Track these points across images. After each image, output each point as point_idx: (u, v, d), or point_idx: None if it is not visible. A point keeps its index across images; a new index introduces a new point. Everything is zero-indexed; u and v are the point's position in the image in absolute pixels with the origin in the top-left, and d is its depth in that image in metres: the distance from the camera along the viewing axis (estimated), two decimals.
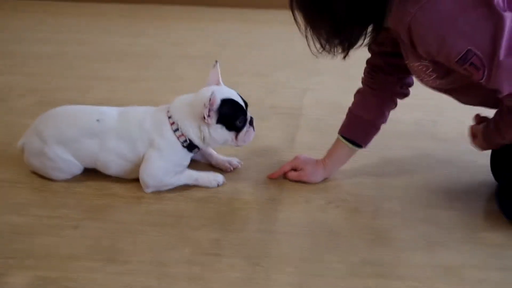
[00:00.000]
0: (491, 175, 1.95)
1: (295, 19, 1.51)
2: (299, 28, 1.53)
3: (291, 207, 1.83)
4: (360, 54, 2.98)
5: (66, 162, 1.87)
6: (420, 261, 1.61)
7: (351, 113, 1.90)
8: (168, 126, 1.83)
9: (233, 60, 2.99)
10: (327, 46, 1.54)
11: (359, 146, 1.90)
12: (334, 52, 1.56)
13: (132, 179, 1.91)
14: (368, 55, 1.87)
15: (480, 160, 2.05)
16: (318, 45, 1.55)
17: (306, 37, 1.53)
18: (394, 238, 1.71)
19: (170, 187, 1.88)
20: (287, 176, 1.96)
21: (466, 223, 1.77)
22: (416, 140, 2.22)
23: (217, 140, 1.84)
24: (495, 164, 1.92)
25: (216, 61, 1.90)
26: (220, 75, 1.90)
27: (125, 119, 1.86)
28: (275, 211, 1.81)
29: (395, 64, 1.79)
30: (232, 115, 1.81)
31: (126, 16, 3.67)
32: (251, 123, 1.87)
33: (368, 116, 1.86)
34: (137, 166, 1.84)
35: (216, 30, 3.36)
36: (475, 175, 2.00)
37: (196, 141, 1.84)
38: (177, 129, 1.83)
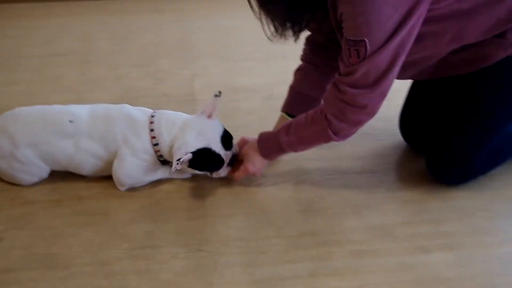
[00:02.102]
0: (399, 138, 2.05)
1: (250, 4, 1.53)
2: (254, 13, 1.55)
3: (214, 191, 1.84)
4: (238, 36, 3.02)
5: (36, 166, 1.77)
6: (353, 225, 1.68)
7: (294, 90, 1.92)
8: (148, 136, 1.77)
9: (107, 52, 2.89)
10: (280, 30, 1.56)
11: None
12: (286, 35, 1.59)
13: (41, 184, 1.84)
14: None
15: (379, 123, 2.14)
16: (272, 29, 1.57)
17: (261, 21, 1.55)
18: (322, 207, 1.76)
19: (145, 183, 1.84)
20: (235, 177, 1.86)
21: (383, 184, 1.87)
22: None
23: (188, 172, 1.84)
24: (410, 130, 2.03)
25: (219, 93, 1.80)
26: (216, 108, 1.80)
27: (96, 119, 1.78)
28: (200, 196, 1.81)
29: (336, 39, 1.82)
30: (204, 165, 1.78)
31: None
32: (230, 163, 1.82)
33: (312, 92, 1.89)
34: (109, 163, 1.79)
35: (80, 24, 3.23)
36: (382, 139, 2.09)
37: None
38: (156, 144, 1.77)
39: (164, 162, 1.82)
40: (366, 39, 1.47)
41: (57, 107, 1.83)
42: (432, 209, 1.74)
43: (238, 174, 1.83)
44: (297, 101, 1.91)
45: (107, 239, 1.62)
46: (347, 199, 1.79)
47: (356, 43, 1.48)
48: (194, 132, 1.74)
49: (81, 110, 1.81)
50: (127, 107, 1.84)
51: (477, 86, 1.74)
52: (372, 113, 1.62)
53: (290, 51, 2.68)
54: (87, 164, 1.79)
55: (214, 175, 1.83)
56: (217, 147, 1.75)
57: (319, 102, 1.89)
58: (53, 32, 3.10)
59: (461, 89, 1.76)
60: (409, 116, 2.01)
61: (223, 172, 1.83)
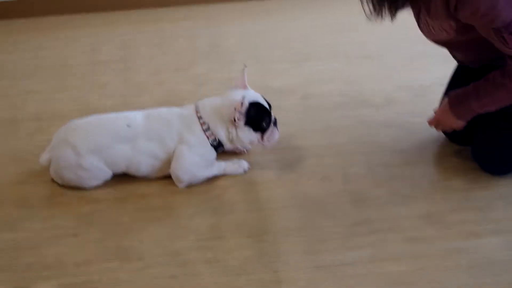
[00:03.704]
0: (436, 132, 2.11)
1: None
2: None
3: (268, 185, 1.93)
4: (266, 40, 3.10)
5: (102, 170, 1.88)
6: (403, 213, 1.78)
7: None
8: (199, 125, 1.90)
9: (147, 59, 2.99)
10: (377, 8, 1.65)
11: None
12: (382, 14, 1.67)
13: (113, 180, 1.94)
14: None
15: (415, 119, 2.24)
16: (370, 7, 1.66)
17: (361, 1, 1.66)
18: (370, 198, 1.85)
19: (202, 179, 1.94)
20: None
21: (427, 175, 1.96)
22: (351, 110, 2.35)
23: (243, 140, 1.93)
24: None
25: (245, 66, 1.98)
26: (246, 79, 1.97)
27: (152, 121, 1.91)
28: (254, 191, 1.90)
29: None
30: (258, 117, 1.90)
31: (17, 32, 3.50)
32: (275, 124, 1.96)
33: None
34: (166, 163, 1.89)
35: (117, 34, 3.32)
36: (419, 133, 2.17)
37: (224, 141, 1.93)
38: (207, 129, 1.90)
39: (217, 147, 1.93)
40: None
41: (113, 115, 1.95)
42: (478, 197, 1.82)
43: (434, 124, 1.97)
44: None
45: (174, 232, 1.72)
46: (394, 189, 1.88)
47: (507, 27, 1.55)
48: (240, 94, 1.88)
49: (136, 115, 1.93)
50: (175, 108, 1.98)
51: None
52: None
53: (318, 53, 2.80)
54: (145, 164, 1.89)
55: (266, 141, 1.93)
56: (264, 102, 1.92)
57: None
58: (93, 42, 3.21)
59: None
60: None
61: (274, 134, 1.95)
